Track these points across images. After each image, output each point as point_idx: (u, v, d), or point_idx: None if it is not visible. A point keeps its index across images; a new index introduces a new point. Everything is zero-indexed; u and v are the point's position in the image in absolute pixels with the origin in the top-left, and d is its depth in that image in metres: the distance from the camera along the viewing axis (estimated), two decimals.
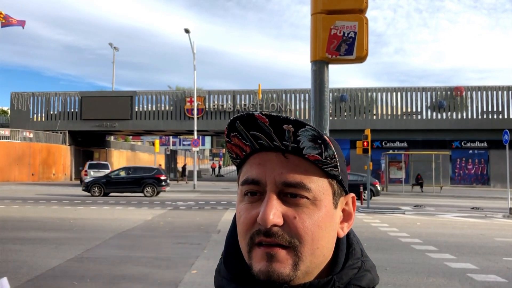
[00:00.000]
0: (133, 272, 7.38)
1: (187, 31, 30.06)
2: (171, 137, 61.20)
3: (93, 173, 32.26)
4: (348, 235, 0.80)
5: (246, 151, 0.75)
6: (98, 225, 12.57)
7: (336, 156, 0.71)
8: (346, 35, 3.01)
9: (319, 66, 3.18)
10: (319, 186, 0.72)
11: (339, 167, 0.73)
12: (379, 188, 23.86)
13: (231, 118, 0.73)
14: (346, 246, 0.78)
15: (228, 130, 0.74)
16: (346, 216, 0.79)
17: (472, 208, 19.18)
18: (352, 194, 0.81)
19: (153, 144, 34.29)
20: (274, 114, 0.70)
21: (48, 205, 18.03)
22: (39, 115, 39.47)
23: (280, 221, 0.69)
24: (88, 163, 33.65)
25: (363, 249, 0.80)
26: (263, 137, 0.71)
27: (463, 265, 8.06)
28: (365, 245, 9.91)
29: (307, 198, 0.70)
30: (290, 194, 0.71)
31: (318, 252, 0.71)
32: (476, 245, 10.18)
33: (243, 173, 0.75)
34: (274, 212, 0.68)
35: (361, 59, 3.12)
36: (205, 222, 13.47)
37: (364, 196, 21.46)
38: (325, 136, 0.71)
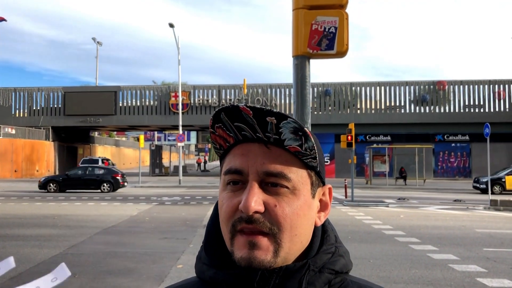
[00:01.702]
0: (119, 267, 7.38)
1: (171, 25, 29.87)
2: (156, 132, 60.84)
3: None
4: (324, 222, 0.83)
5: (230, 142, 0.78)
6: (83, 221, 12.51)
7: (315, 148, 0.75)
8: (327, 30, 3.08)
9: (301, 61, 3.24)
10: (298, 176, 0.75)
11: (317, 158, 0.76)
12: (120, 180, 23.88)
13: (216, 110, 0.76)
14: (321, 233, 0.82)
15: (213, 121, 0.77)
16: (323, 206, 0.82)
17: (455, 201, 19.49)
18: (329, 185, 0.84)
19: (138, 139, 34.10)
20: (258, 106, 0.73)
21: (31, 202, 17.85)
22: (21, 111, 38.95)
23: (261, 208, 0.72)
24: (82, 159, 37.03)
25: (337, 235, 0.84)
26: (246, 128, 0.74)
27: (444, 256, 8.22)
28: (349, 237, 10.04)
29: (287, 187, 0.74)
30: (271, 184, 0.74)
31: (296, 239, 0.74)
32: (458, 237, 10.37)
33: (226, 163, 0.78)
34: (256, 199, 0.71)
35: (341, 53, 3.20)
36: (190, 217, 13.48)
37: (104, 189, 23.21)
38: (305, 129, 0.74)
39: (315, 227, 0.80)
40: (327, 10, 3.11)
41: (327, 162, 35.58)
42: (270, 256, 0.72)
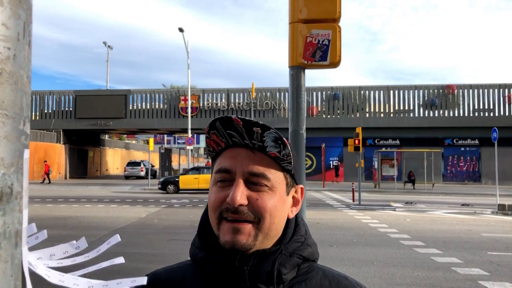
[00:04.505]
0: (127, 267, 7.52)
1: (181, 30, 30.19)
2: (165, 135, 61.15)
3: (130, 170, 40.45)
4: (296, 218, 1.01)
5: (221, 146, 0.95)
6: (93, 223, 12.74)
7: (291, 154, 0.92)
8: (320, 42, 3.26)
9: (296, 71, 3.44)
10: (276, 177, 0.93)
11: (292, 164, 0.94)
12: None
13: (213, 119, 0.93)
14: (294, 226, 0.99)
15: (209, 128, 0.95)
16: (295, 202, 1.00)
17: (462, 205, 19.46)
18: (302, 186, 1.02)
19: (148, 142, 34.48)
20: (247, 118, 0.90)
21: (43, 204, 18.16)
22: (33, 114, 39.52)
23: (245, 202, 0.89)
24: (128, 162, 43.50)
25: (308, 229, 1.02)
26: (236, 135, 0.92)
27: (448, 260, 8.31)
28: (355, 240, 10.15)
29: (266, 185, 0.91)
30: (254, 182, 0.91)
31: (274, 227, 0.92)
32: (463, 241, 10.43)
33: (217, 164, 0.95)
34: (241, 194, 0.89)
35: (334, 64, 3.38)
36: (198, 219, 13.51)
37: None
38: (284, 138, 0.91)
39: (290, 221, 0.98)
40: (321, 24, 3.30)
41: (336, 165, 35.62)
42: (251, 240, 0.89)
